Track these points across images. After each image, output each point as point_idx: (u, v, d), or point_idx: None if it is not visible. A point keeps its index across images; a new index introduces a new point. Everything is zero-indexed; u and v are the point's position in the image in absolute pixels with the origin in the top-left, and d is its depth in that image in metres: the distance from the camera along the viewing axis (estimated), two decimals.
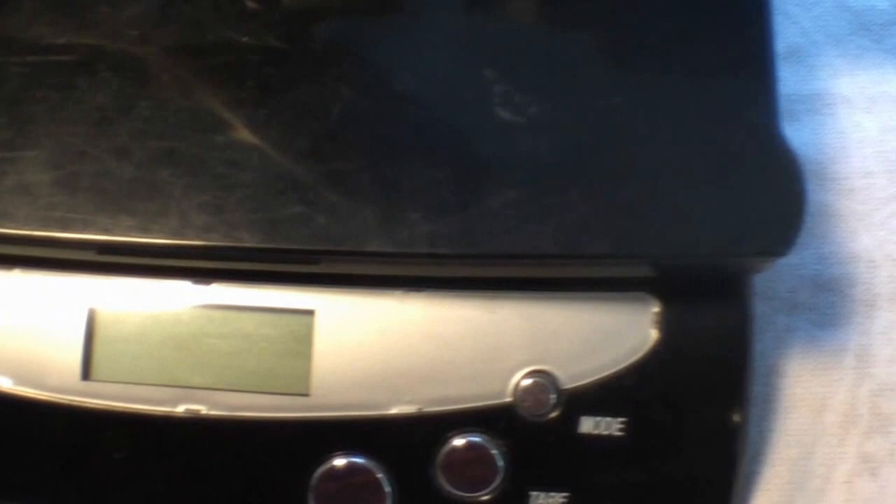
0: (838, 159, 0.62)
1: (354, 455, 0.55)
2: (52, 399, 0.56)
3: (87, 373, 0.56)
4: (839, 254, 0.61)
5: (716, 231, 0.50)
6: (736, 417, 0.56)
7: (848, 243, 0.61)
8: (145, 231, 0.51)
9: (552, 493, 0.55)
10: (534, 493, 0.55)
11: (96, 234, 0.51)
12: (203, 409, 0.55)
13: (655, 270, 0.53)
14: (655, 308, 0.55)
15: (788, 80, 0.58)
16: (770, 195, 0.50)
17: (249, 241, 0.50)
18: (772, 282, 0.60)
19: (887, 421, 0.58)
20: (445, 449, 0.54)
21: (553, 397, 0.54)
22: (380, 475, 0.55)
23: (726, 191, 0.50)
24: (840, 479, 0.58)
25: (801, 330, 0.60)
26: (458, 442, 0.54)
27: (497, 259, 0.51)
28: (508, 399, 0.54)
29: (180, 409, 0.55)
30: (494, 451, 0.54)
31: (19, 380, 0.56)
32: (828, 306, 0.61)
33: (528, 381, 0.54)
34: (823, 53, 0.63)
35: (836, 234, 0.61)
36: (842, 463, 0.59)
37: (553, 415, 0.54)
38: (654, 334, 0.55)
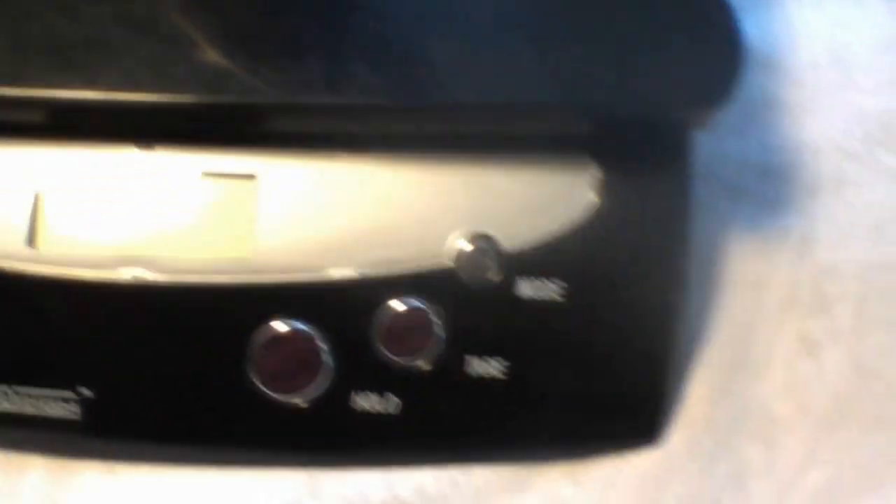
0: (787, 52, 0.62)
1: (294, 319, 0.55)
2: None
3: (32, 239, 0.56)
4: (785, 142, 0.61)
5: (656, 78, 0.51)
6: (673, 287, 0.56)
7: (794, 132, 0.61)
8: (92, 84, 0.51)
9: (489, 359, 0.54)
10: (471, 359, 0.55)
11: (45, 89, 0.51)
12: (146, 274, 0.55)
13: (598, 124, 0.54)
14: (597, 173, 0.55)
15: None
16: (709, 44, 0.51)
17: (193, 96, 0.51)
18: (716, 168, 0.61)
19: (828, 302, 0.59)
20: (384, 313, 0.55)
21: (493, 261, 0.54)
22: (318, 339, 0.55)
23: (667, 40, 0.51)
24: (780, 358, 0.59)
25: (744, 215, 0.60)
26: (397, 306, 0.55)
27: (441, 110, 0.52)
28: (449, 263, 0.55)
29: (124, 273, 0.55)
30: (433, 316, 0.54)
31: None
32: (772, 192, 0.61)
33: (468, 245, 0.55)
34: None
35: (782, 124, 0.61)
36: (781, 343, 0.59)
37: (493, 279, 0.54)
38: (594, 199, 0.55)
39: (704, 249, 0.58)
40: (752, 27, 0.62)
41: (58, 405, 0.56)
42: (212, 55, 0.51)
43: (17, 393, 0.56)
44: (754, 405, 0.58)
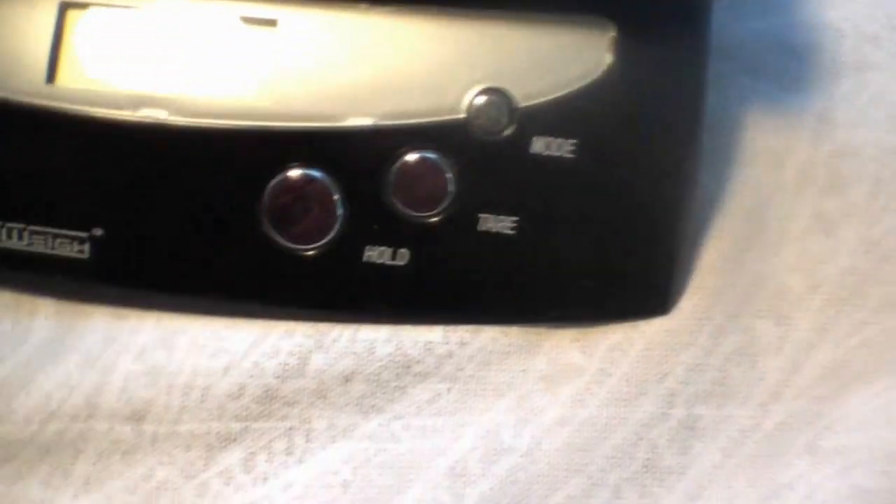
0: None
1: (308, 167, 0.55)
2: (14, 100, 0.57)
3: (52, 76, 0.56)
4: (807, 23, 0.61)
5: None
6: (686, 154, 0.56)
7: (817, 14, 0.61)
8: None
9: (501, 217, 0.54)
10: (483, 216, 0.55)
11: None
12: (164, 115, 0.55)
13: None
14: (612, 32, 0.55)
15: None
16: None
17: None
18: (737, 46, 0.60)
19: (844, 182, 0.59)
20: (398, 163, 0.55)
21: (506, 115, 0.54)
22: (332, 188, 0.55)
23: None
24: (794, 234, 0.58)
25: (764, 91, 0.60)
26: (411, 157, 0.55)
27: None
28: (462, 115, 0.54)
29: (141, 113, 0.55)
30: (446, 169, 0.54)
31: None
32: (793, 71, 0.60)
33: (482, 98, 0.55)
34: None
35: (804, 5, 0.61)
36: (796, 219, 0.58)
37: (506, 133, 0.54)
38: (608, 58, 0.55)
39: (724, 124, 0.58)
40: None
41: (69, 245, 0.56)
42: None
43: (29, 231, 0.56)
44: (766, 280, 0.58)
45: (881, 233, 0.58)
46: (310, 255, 0.56)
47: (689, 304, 0.57)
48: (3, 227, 0.57)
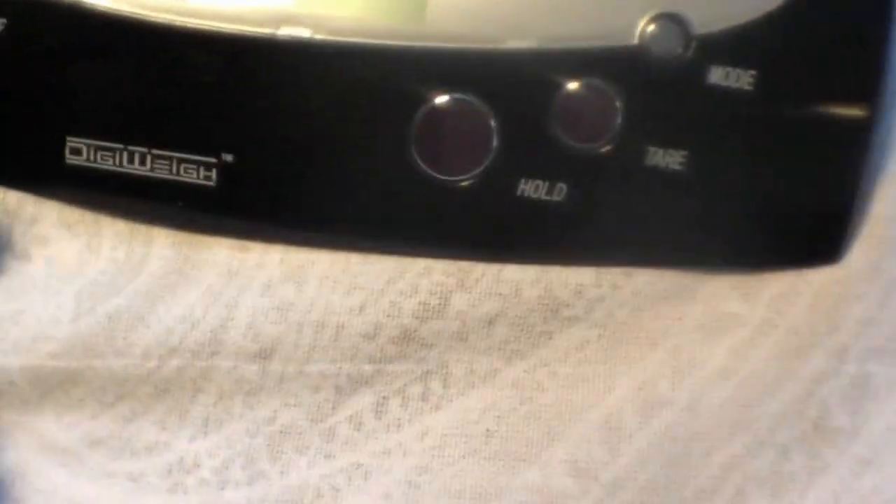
0: None
1: (463, 91, 0.51)
2: (149, 17, 0.53)
3: None
4: None
5: None
6: (871, 93, 0.53)
7: None
8: None
9: (670, 151, 0.50)
10: (651, 150, 0.51)
11: None
12: (307, 32, 0.52)
13: None
14: None
15: None
16: None
17: None
18: None
19: None
20: (561, 90, 0.51)
21: (682, 43, 0.51)
22: (488, 115, 0.51)
23: None
24: None
25: None
26: (576, 84, 0.51)
27: None
28: (635, 41, 0.51)
29: (282, 31, 0.52)
30: (614, 99, 0.50)
31: None
32: None
33: (656, 24, 0.51)
34: None
35: None
36: None
37: (681, 61, 0.50)
38: None
39: None
40: None
41: (196, 171, 0.53)
42: None
43: (152, 156, 0.52)
44: None
45: None
46: (459, 187, 0.52)
47: (859, 253, 0.54)
48: (123, 150, 0.53)
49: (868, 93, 0.52)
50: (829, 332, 0.52)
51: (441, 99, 0.51)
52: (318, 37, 0.51)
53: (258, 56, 0.52)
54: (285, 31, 0.51)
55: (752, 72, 0.50)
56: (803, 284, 0.53)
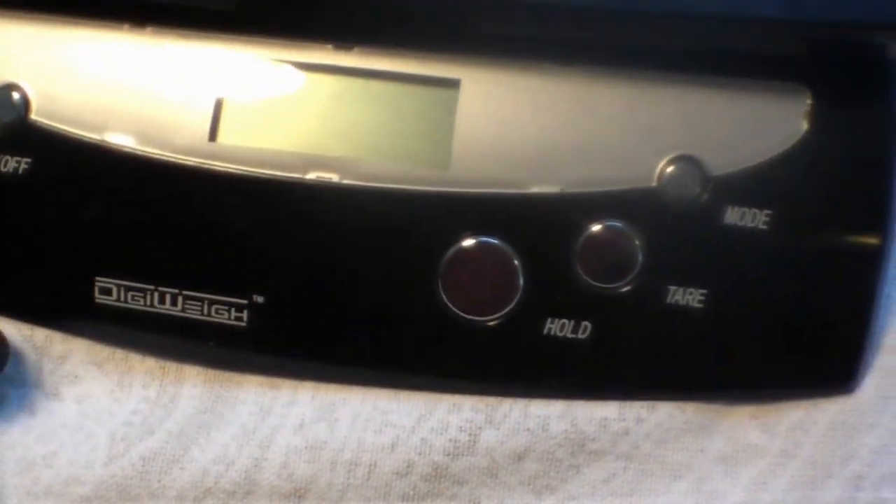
0: None
1: (489, 235, 0.53)
2: (176, 160, 0.55)
3: (214, 134, 0.54)
4: None
5: None
6: (879, 225, 0.55)
7: None
8: None
9: (690, 289, 0.52)
10: (672, 288, 0.53)
11: None
12: (335, 177, 0.53)
13: (814, 45, 0.52)
14: (808, 99, 0.53)
15: None
16: None
17: None
18: None
19: None
20: (584, 233, 0.53)
21: (699, 184, 0.52)
22: (514, 258, 0.53)
23: None
24: None
25: None
26: (598, 227, 0.53)
27: (660, 16, 0.50)
28: (654, 184, 0.53)
29: (311, 175, 0.54)
30: (635, 239, 0.53)
31: (142, 139, 0.55)
32: None
33: (675, 167, 0.53)
34: None
35: None
36: None
37: (698, 203, 0.52)
38: (804, 126, 0.53)
39: None
40: None
41: (227, 312, 0.54)
42: None
43: (184, 297, 0.54)
44: None
45: None
46: (486, 327, 0.54)
47: (871, 382, 0.56)
48: (154, 290, 0.55)
49: (877, 225, 0.54)
50: (843, 460, 0.54)
51: (467, 242, 0.53)
52: (346, 181, 0.52)
53: (287, 199, 0.54)
54: (313, 176, 0.52)
55: (767, 211, 0.52)
56: (819, 414, 0.54)
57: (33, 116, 0.55)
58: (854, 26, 0.49)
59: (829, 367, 0.55)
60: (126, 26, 0.55)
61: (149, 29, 0.55)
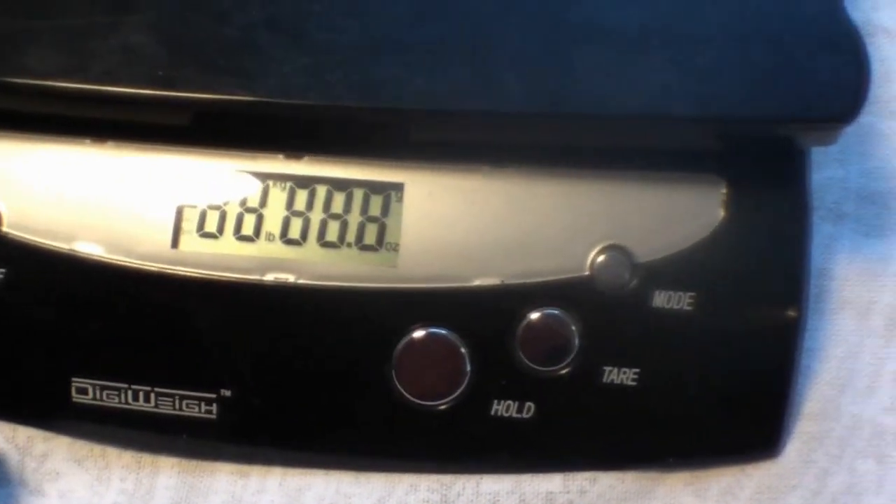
0: (881, 84, 0.65)
1: (437, 326, 0.57)
2: (142, 266, 0.58)
3: (176, 241, 0.58)
4: (883, 169, 0.64)
5: (787, 95, 0.53)
6: (794, 301, 0.59)
7: (891, 160, 0.64)
8: (246, 90, 0.52)
9: (624, 369, 0.57)
10: (607, 369, 0.57)
11: (199, 92, 0.53)
12: (291, 278, 0.57)
13: (728, 137, 0.56)
14: (723, 189, 0.58)
15: None
16: (837, 64, 0.53)
17: (348, 101, 0.52)
18: (818, 193, 0.63)
19: None
20: (524, 321, 0.57)
21: (628, 271, 0.57)
22: (460, 346, 0.57)
23: (797, 60, 0.53)
24: (888, 377, 0.61)
25: (846, 238, 0.63)
26: (537, 315, 0.57)
27: (585, 120, 0.54)
28: (586, 273, 0.57)
29: (269, 277, 0.57)
30: (571, 325, 0.57)
31: (109, 248, 0.58)
32: (872, 217, 0.64)
33: (604, 256, 0.57)
34: None
35: (879, 152, 0.64)
36: (889, 362, 0.62)
37: (628, 289, 0.57)
38: (721, 214, 0.58)
39: (812, 270, 0.60)
40: None
41: (197, 406, 0.58)
42: (361, 63, 0.53)
43: (156, 393, 0.58)
44: (864, 421, 0.60)
45: None
46: (439, 410, 0.57)
47: (793, 447, 0.60)
48: (127, 388, 0.58)
49: (792, 302, 0.59)
50: None
51: (417, 333, 0.57)
52: (302, 281, 0.57)
53: (248, 300, 0.58)
54: (271, 277, 0.56)
55: (691, 294, 0.57)
56: (746, 479, 0.60)
57: (5, 229, 0.59)
58: (761, 122, 0.54)
59: (755, 434, 0.60)
60: (88, 141, 0.59)
61: (109, 143, 0.58)
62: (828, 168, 0.64)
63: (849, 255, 0.63)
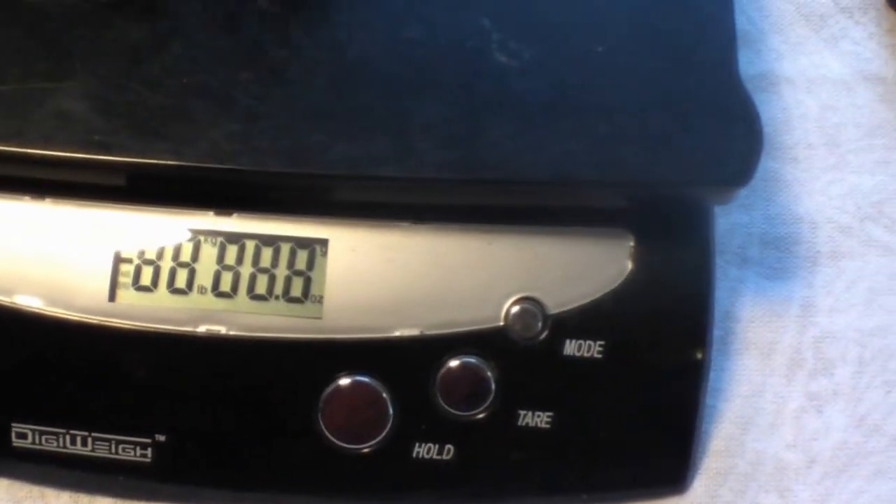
0: (783, 131, 0.69)
1: (361, 374, 0.61)
2: (80, 319, 0.61)
3: (113, 294, 0.60)
4: (785, 215, 0.68)
5: (684, 160, 0.56)
6: (699, 346, 0.62)
7: (792, 206, 0.68)
8: (178, 155, 0.55)
9: (538, 413, 0.60)
10: (522, 412, 0.61)
11: (132, 156, 0.56)
12: (223, 329, 0.60)
13: (631, 198, 0.60)
14: (630, 242, 0.61)
15: (739, 61, 0.66)
16: (731, 130, 0.57)
17: (273, 166, 0.56)
18: (724, 238, 0.67)
19: (830, 364, 0.66)
20: (443, 369, 0.60)
21: (540, 321, 0.60)
22: (384, 393, 0.60)
23: (696, 126, 0.57)
24: (789, 414, 0.65)
25: (750, 281, 0.66)
26: (455, 363, 0.60)
27: (496, 185, 0.57)
28: (501, 323, 0.61)
29: (201, 328, 0.60)
30: (487, 372, 0.60)
31: (49, 301, 0.60)
32: (775, 261, 0.67)
33: (518, 307, 0.61)
34: (768, 39, 0.71)
35: (782, 198, 0.68)
36: (789, 401, 0.65)
37: (540, 338, 0.61)
38: (629, 265, 0.61)
39: (716, 315, 0.64)
40: None
41: (133, 450, 0.60)
42: (289, 130, 0.56)
43: (93, 438, 0.60)
44: (767, 458, 0.64)
45: (867, 409, 0.65)
46: (363, 454, 0.61)
47: (699, 483, 0.64)
48: (66, 433, 0.61)
49: (697, 346, 0.63)
50: None
51: (342, 381, 0.60)
52: (233, 333, 0.60)
53: (181, 350, 0.61)
54: (203, 329, 0.60)
55: (600, 342, 0.61)
56: None
57: None
58: (657, 186, 0.57)
59: (663, 472, 0.64)
60: (27, 198, 0.61)
61: (48, 200, 0.61)
62: (734, 214, 0.67)
63: (753, 297, 0.66)
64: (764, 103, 0.69)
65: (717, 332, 0.64)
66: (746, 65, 0.66)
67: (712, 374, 0.64)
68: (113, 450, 0.61)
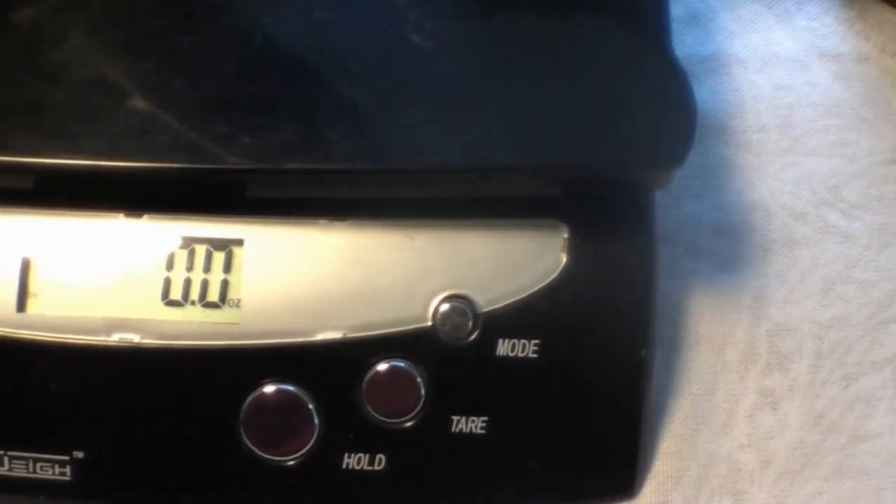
0: (735, 115, 0.66)
1: (283, 382, 0.57)
2: None
3: (22, 305, 0.57)
4: (737, 203, 0.64)
5: (614, 141, 0.53)
6: (643, 342, 0.59)
7: (745, 193, 0.64)
8: (75, 152, 0.52)
9: (472, 418, 0.57)
10: (455, 418, 0.58)
11: (28, 156, 0.53)
12: (136, 338, 0.57)
13: (561, 186, 0.57)
14: (564, 234, 0.58)
15: (688, 41, 0.63)
16: (665, 110, 0.53)
17: (174, 161, 0.52)
18: (675, 228, 0.63)
19: (784, 359, 0.62)
20: (370, 374, 0.57)
21: (470, 320, 0.57)
22: (307, 401, 0.57)
23: (625, 106, 0.53)
24: (742, 413, 0.61)
25: (702, 273, 0.63)
26: (382, 367, 0.57)
27: (410, 173, 0.54)
28: (429, 323, 0.57)
29: (114, 338, 0.57)
30: (417, 376, 0.57)
31: None
32: (727, 251, 0.64)
33: (446, 306, 0.57)
34: (719, 18, 0.67)
35: (734, 185, 0.64)
36: (743, 398, 0.61)
37: (471, 338, 0.57)
38: (563, 258, 0.58)
39: (666, 307, 0.60)
40: (702, 92, 0.66)
41: (51, 468, 0.58)
42: (191, 123, 0.52)
43: (9, 457, 0.58)
44: (720, 459, 0.60)
45: (825, 405, 0.61)
46: (289, 466, 0.57)
47: (649, 488, 0.61)
48: None
49: (641, 341, 0.59)
50: None
51: (264, 389, 0.57)
52: (147, 342, 0.57)
53: (94, 361, 0.58)
54: (116, 338, 0.56)
55: (535, 341, 0.57)
56: None
57: None
58: (589, 169, 0.54)
59: (610, 477, 0.60)
60: None
61: None
62: (686, 203, 0.64)
63: (704, 289, 0.63)
64: (716, 85, 0.66)
65: (667, 327, 0.62)
66: (696, 45, 0.64)
67: (661, 371, 0.61)
68: (31, 469, 0.58)
